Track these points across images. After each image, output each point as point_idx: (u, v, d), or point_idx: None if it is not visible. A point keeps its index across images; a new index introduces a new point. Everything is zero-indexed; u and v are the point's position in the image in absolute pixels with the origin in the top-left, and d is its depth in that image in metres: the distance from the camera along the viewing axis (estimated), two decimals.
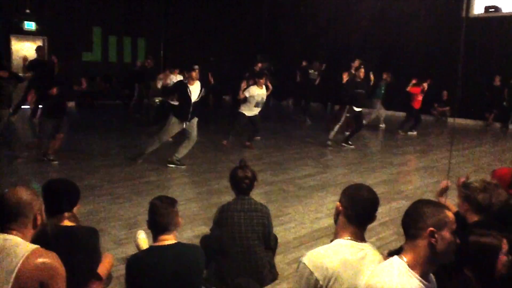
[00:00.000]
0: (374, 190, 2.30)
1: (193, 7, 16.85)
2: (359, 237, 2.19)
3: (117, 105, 14.88)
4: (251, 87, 8.69)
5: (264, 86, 8.70)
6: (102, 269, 2.86)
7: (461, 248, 2.04)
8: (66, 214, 2.70)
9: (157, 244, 2.69)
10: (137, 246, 3.65)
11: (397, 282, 1.82)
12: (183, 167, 7.15)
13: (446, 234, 1.89)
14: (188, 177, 6.86)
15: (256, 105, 8.66)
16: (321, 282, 2.05)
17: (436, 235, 1.87)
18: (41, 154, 7.15)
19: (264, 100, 8.75)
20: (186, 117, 6.94)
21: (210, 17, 17.29)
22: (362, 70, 9.47)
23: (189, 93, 6.85)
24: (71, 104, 14.24)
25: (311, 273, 2.06)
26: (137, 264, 2.68)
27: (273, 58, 17.55)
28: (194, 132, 7.13)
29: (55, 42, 14.35)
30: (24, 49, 13.93)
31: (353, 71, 10.33)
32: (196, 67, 6.90)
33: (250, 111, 8.71)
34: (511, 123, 13.07)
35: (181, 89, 6.98)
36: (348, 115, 9.56)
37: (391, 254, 3.19)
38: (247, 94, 8.60)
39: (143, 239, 3.68)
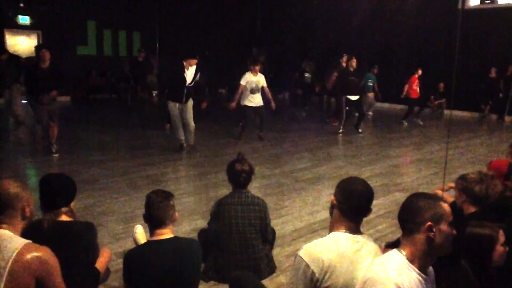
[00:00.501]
0: (369, 182, 2.29)
1: (188, 1, 16.76)
2: (355, 230, 2.19)
3: (112, 99, 14.83)
4: (246, 74, 8.71)
5: (258, 73, 8.71)
6: (99, 264, 2.85)
7: (458, 239, 2.04)
8: (63, 209, 2.69)
9: (154, 238, 2.69)
10: (135, 241, 3.64)
11: (396, 276, 1.82)
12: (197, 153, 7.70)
13: (444, 227, 1.88)
14: (185, 171, 6.85)
15: (252, 92, 8.68)
16: (317, 275, 2.05)
17: (434, 229, 1.87)
18: (43, 143, 7.23)
19: (259, 86, 8.73)
20: (180, 99, 7.37)
21: (205, 10, 17.20)
22: (355, 60, 9.83)
23: (184, 75, 7.28)
24: (66, 98, 14.22)
25: (308, 266, 2.07)
26: (135, 258, 2.68)
27: (269, 51, 17.55)
28: (189, 117, 7.54)
29: (49, 36, 14.26)
30: (19, 43, 13.84)
31: (343, 64, 10.70)
32: (197, 56, 7.45)
33: (251, 101, 8.73)
34: (507, 115, 13.11)
35: (178, 70, 7.35)
36: (347, 108, 9.89)
37: (388, 246, 3.22)
38: (243, 82, 8.63)
39: (141, 233, 3.67)
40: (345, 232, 2.17)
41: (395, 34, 14.98)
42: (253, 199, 3.50)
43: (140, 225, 3.75)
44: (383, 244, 3.64)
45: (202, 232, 3.73)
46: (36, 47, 7.56)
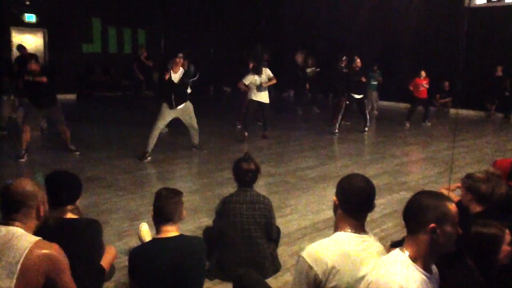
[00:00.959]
0: (374, 181, 2.27)
1: None
2: (360, 229, 2.17)
3: (117, 97, 14.86)
4: (249, 74, 8.72)
5: (262, 70, 8.68)
6: (105, 261, 2.86)
7: (464, 238, 2.03)
8: (69, 206, 2.70)
9: (159, 236, 2.70)
10: (140, 238, 3.65)
11: (400, 276, 1.81)
12: (204, 151, 7.61)
13: (448, 228, 1.86)
14: (190, 169, 6.86)
15: (258, 89, 8.66)
16: (320, 277, 2.03)
17: (437, 230, 1.85)
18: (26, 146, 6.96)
19: (263, 83, 8.68)
20: (170, 102, 7.03)
21: (210, 7, 17.20)
22: (358, 59, 9.77)
23: (171, 79, 7.01)
24: (71, 96, 14.28)
25: (311, 267, 2.05)
26: (140, 256, 2.68)
27: (273, 48, 17.51)
28: (191, 119, 7.31)
29: (55, 34, 14.32)
30: (25, 41, 13.89)
31: (342, 65, 10.80)
32: (181, 55, 7.22)
33: (256, 95, 8.72)
34: None
35: (164, 73, 7.15)
36: (347, 102, 9.81)
37: (394, 245, 3.21)
38: (246, 82, 8.66)
39: (146, 231, 3.68)
40: (349, 231, 2.15)
41: (400, 32, 14.89)
42: (258, 197, 3.50)
43: (146, 223, 3.77)
44: (388, 244, 3.63)
45: (207, 230, 3.73)
46: (28, 57, 7.33)
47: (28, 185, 2.18)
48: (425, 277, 1.87)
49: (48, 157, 7.25)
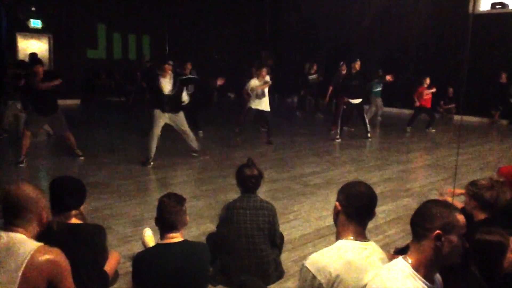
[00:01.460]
0: (378, 188, 2.29)
1: (198, 4, 16.85)
2: (362, 236, 2.17)
3: (121, 102, 14.92)
4: (251, 80, 8.84)
5: (265, 77, 8.78)
6: (108, 267, 2.88)
7: (468, 246, 2.02)
8: (73, 212, 2.71)
9: (163, 241, 2.70)
10: (144, 244, 3.66)
11: (400, 285, 1.80)
12: (207, 157, 7.66)
13: (454, 238, 1.84)
14: (193, 175, 6.87)
15: (258, 97, 8.74)
16: (324, 286, 2.03)
17: (442, 238, 1.83)
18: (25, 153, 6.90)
19: (265, 90, 8.77)
20: (162, 107, 7.01)
21: (215, 14, 17.29)
22: (358, 62, 9.57)
23: (159, 85, 6.95)
24: (75, 101, 14.35)
25: (314, 277, 2.04)
26: (144, 261, 2.69)
27: (277, 54, 17.56)
28: (183, 127, 7.29)
29: (60, 40, 14.42)
30: (30, 46, 13.99)
31: (342, 72, 10.85)
32: (171, 62, 7.12)
33: (256, 103, 8.78)
34: None
35: (151, 79, 7.19)
36: (345, 107, 9.73)
37: (397, 252, 3.20)
38: (248, 88, 8.77)
39: (150, 237, 3.69)
40: (352, 239, 2.15)
41: (404, 38, 14.93)
42: (262, 203, 3.50)
43: (149, 228, 3.77)
44: (392, 250, 3.62)
45: (210, 236, 3.73)
46: (31, 62, 7.29)
47: (30, 190, 2.17)
48: (426, 287, 1.86)
49: (52, 162, 7.28)
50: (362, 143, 9.72)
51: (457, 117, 13.73)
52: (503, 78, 12.76)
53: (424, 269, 1.87)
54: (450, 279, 2.15)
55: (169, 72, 7.03)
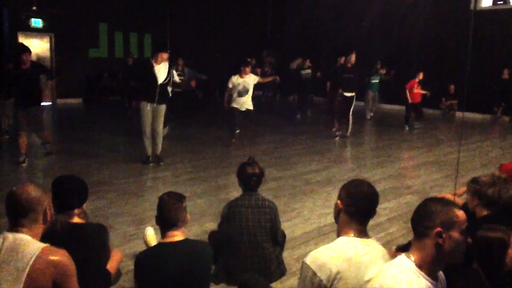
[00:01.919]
0: (379, 185, 2.30)
1: (199, 3, 16.83)
2: (363, 233, 2.18)
3: (123, 101, 14.91)
4: (232, 77, 8.45)
5: (248, 75, 8.40)
6: (111, 266, 2.87)
7: (471, 241, 2.02)
8: (76, 211, 2.72)
9: (165, 240, 2.70)
10: (146, 243, 3.66)
11: (404, 283, 1.80)
12: (160, 164, 7.05)
13: (455, 234, 1.83)
14: (195, 173, 6.87)
15: (239, 95, 8.36)
16: (325, 282, 2.02)
17: (443, 235, 1.83)
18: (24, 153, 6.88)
19: (247, 88, 8.37)
20: (153, 98, 6.76)
21: (216, 12, 17.27)
22: (353, 56, 9.46)
23: (154, 73, 6.72)
24: (77, 100, 14.36)
25: (315, 274, 2.04)
26: (146, 260, 2.69)
27: (279, 53, 17.55)
28: (158, 123, 6.92)
29: (61, 39, 14.43)
30: (31, 46, 13.98)
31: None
32: (168, 51, 6.91)
33: (238, 103, 8.40)
34: None
35: (146, 69, 6.86)
36: (339, 98, 9.66)
37: (399, 249, 3.20)
38: (229, 85, 8.42)
39: (152, 236, 3.69)
40: (353, 236, 2.15)
41: (406, 35, 14.89)
42: (264, 201, 3.50)
43: (151, 227, 3.78)
44: (393, 248, 3.62)
45: (212, 234, 3.74)
46: (17, 51, 7.15)
47: (33, 190, 2.18)
48: (430, 284, 1.85)
49: (54, 161, 7.28)
50: (363, 140, 9.73)
51: (459, 114, 13.71)
52: (505, 74, 12.73)
53: (428, 267, 1.87)
54: (453, 276, 2.15)
55: (164, 58, 6.81)
